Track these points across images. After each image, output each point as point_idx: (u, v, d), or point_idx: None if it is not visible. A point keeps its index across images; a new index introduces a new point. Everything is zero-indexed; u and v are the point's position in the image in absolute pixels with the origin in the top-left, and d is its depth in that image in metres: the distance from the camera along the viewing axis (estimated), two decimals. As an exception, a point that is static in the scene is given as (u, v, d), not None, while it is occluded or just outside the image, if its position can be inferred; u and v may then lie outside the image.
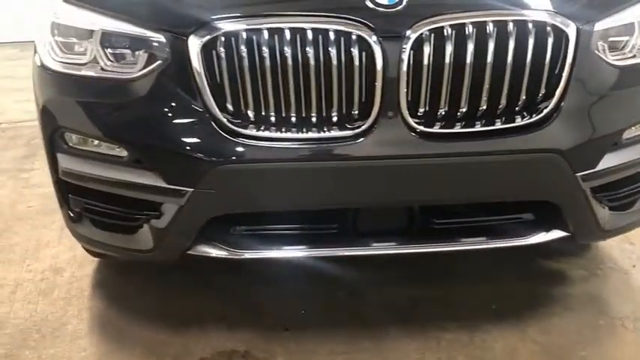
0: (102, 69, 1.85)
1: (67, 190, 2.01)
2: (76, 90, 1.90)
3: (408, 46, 1.68)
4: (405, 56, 1.69)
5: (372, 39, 1.68)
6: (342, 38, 1.69)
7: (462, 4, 1.75)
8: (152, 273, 2.54)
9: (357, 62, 1.69)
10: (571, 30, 1.76)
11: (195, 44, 1.72)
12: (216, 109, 1.75)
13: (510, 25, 1.72)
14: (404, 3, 1.72)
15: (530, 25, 1.73)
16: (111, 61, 1.84)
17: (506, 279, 2.47)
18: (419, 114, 1.76)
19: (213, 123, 1.76)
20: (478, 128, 1.79)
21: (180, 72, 1.76)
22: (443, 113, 1.78)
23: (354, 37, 1.69)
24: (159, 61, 1.78)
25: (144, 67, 1.80)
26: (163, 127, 1.81)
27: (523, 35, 1.72)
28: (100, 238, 2.04)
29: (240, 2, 1.80)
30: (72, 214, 2.05)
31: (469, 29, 1.70)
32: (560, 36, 1.75)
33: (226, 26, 1.71)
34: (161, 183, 1.82)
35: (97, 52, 1.85)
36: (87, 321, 2.30)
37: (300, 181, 1.81)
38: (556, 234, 1.96)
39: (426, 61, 1.71)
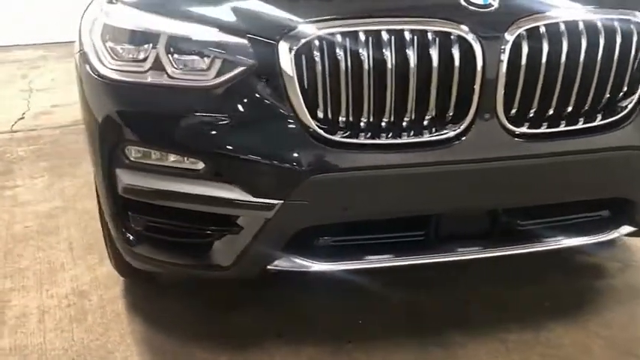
0: (169, 76, 1.72)
1: (127, 207, 1.85)
2: (142, 100, 1.76)
3: (507, 47, 1.66)
4: (504, 57, 1.66)
5: (472, 39, 1.64)
6: (441, 39, 1.65)
7: (552, 3, 1.74)
8: (186, 290, 2.40)
9: (457, 63, 1.65)
10: None
11: (286, 49, 1.63)
12: (308, 117, 1.66)
13: (599, 24, 1.72)
14: (497, 3, 1.70)
15: (616, 24, 1.74)
16: (178, 68, 1.72)
17: (549, 277, 2.48)
18: (511, 115, 1.74)
19: (304, 131, 1.67)
20: (563, 128, 1.78)
21: (268, 78, 1.66)
22: (532, 113, 1.76)
23: (453, 37, 1.64)
24: (241, 68, 1.68)
25: (220, 74, 1.69)
26: (248, 137, 1.70)
27: (611, 34, 1.73)
28: (164, 257, 1.90)
29: (333, 4, 1.72)
30: (130, 234, 1.89)
31: (562, 28, 1.69)
32: None
33: (321, 30, 1.63)
34: (246, 196, 1.71)
35: (163, 58, 1.72)
36: (134, 346, 2.14)
37: (394, 188, 1.74)
38: (626, 229, 1.98)
39: (523, 62, 1.68)
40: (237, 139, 1.70)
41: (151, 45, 1.73)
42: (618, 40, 1.74)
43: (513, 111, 1.74)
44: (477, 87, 1.67)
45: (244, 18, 1.71)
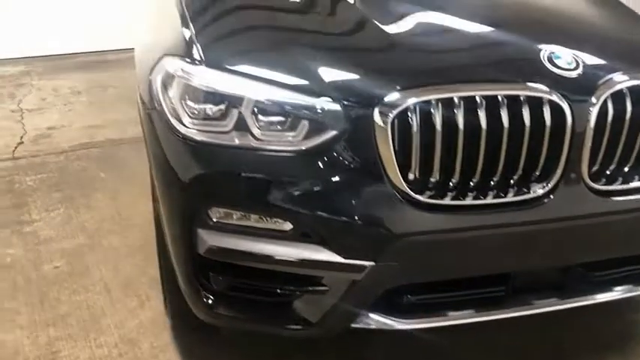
0: (254, 138, 1.71)
1: (208, 268, 1.83)
2: (228, 162, 1.74)
3: (595, 109, 1.70)
4: (592, 118, 1.70)
5: (562, 102, 1.68)
6: (532, 103, 1.68)
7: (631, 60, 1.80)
8: (235, 335, 2.38)
9: (548, 126, 1.69)
10: None
11: (382, 116, 1.64)
12: (401, 179, 1.67)
13: None
14: (581, 65, 1.74)
15: None
16: (264, 130, 1.71)
17: (589, 316, 2.52)
18: (591, 172, 1.78)
19: (396, 193, 1.68)
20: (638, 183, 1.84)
21: (361, 142, 1.67)
22: (610, 170, 1.81)
23: (545, 102, 1.68)
24: (333, 132, 1.68)
25: (309, 138, 1.69)
26: (338, 199, 1.70)
27: None
28: (244, 316, 1.88)
29: (428, 70, 1.74)
30: (209, 294, 1.86)
31: None
32: None
33: (416, 97, 1.65)
34: (336, 258, 1.71)
35: (248, 119, 1.71)
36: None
37: (480, 248, 1.77)
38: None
39: (609, 122, 1.73)
40: (327, 201, 1.70)
41: (235, 106, 1.71)
42: None
43: (594, 168, 1.79)
44: (565, 148, 1.71)
45: (337, 83, 1.71)
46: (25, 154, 4.06)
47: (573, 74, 1.73)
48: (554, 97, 1.68)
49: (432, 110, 1.64)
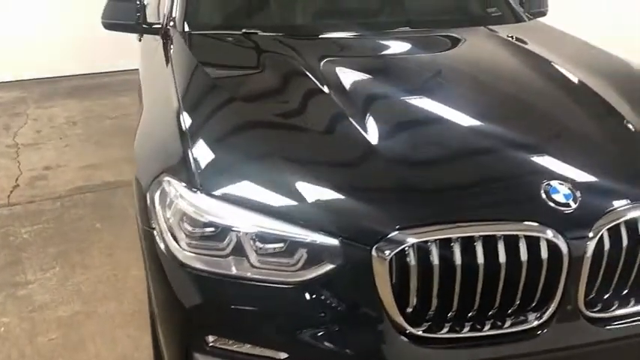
0: (252, 266, 1.71)
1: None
2: (223, 293, 1.74)
3: (592, 243, 1.70)
4: (588, 252, 1.71)
5: (559, 240, 1.68)
6: (530, 240, 1.69)
7: (630, 192, 1.81)
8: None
9: (544, 263, 1.69)
10: None
11: (380, 255, 1.64)
12: (399, 315, 1.67)
13: None
14: (578, 198, 1.75)
15: None
16: (262, 261, 1.71)
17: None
18: (587, 300, 1.79)
19: (393, 328, 1.68)
20: (633, 308, 1.84)
21: (358, 277, 1.67)
22: (605, 298, 1.82)
23: (542, 240, 1.68)
24: (330, 266, 1.68)
25: (306, 268, 1.69)
26: (334, 332, 1.70)
27: None
28: None
29: (426, 204, 1.74)
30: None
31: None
32: None
33: (416, 237, 1.65)
34: None
35: (247, 249, 1.71)
36: None
37: None
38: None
39: (605, 255, 1.74)
40: (323, 334, 1.70)
41: (233, 236, 1.71)
42: None
43: (590, 297, 1.79)
44: (562, 281, 1.71)
45: (336, 218, 1.71)
46: (20, 200, 4.05)
47: (570, 209, 1.73)
48: (551, 236, 1.68)
49: (430, 251, 1.65)
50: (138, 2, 2.95)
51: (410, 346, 1.69)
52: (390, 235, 1.65)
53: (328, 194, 1.75)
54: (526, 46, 2.78)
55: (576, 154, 1.93)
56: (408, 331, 1.69)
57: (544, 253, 1.68)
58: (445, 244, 1.65)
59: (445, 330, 1.72)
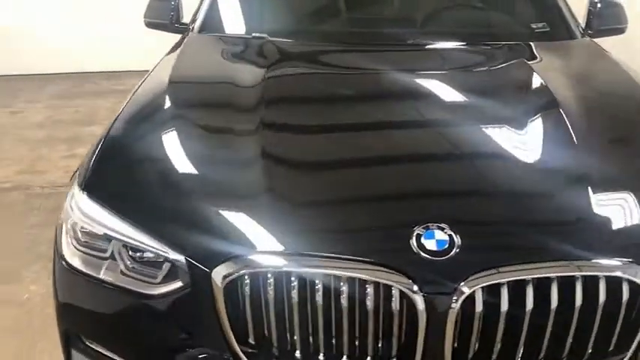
0: (121, 273, 1.71)
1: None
2: (94, 293, 1.76)
3: (458, 304, 1.48)
4: (453, 314, 1.49)
5: (416, 295, 1.48)
6: (382, 289, 1.51)
7: (522, 252, 1.55)
8: None
9: (396, 319, 1.51)
10: None
11: (218, 278, 1.56)
12: (236, 346, 1.59)
13: (579, 281, 1.51)
14: (455, 250, 1.53)
15: (603, 281, 1.51)
16: (131, 271, 1.71)
17: None
18: None
19: (231, 356, 1.60)
20: None
21: (201, 300, 1.61)
22: None
23: (394, 290, 1.50)
24: (179, 284, 1.63)
25: (163, 283, 1.66)
26: (181, 354, 1.67)
27: (594, 290, 1.51)
28: None
29: (270, 237, 1.62)
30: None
31: (529, 285, 1.50)
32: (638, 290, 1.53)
33: (253, 264, 1.55)
34: None
35: (117, 257, 1.72)
36: None
37: None
38: None
39: (476, 320, 1.51)
40: (170, 351, 1.68)
41: (108, 242, 1.73)
42: (602, 299, 1.52)
43: None
44: (419, 339, 1.51)
45: (187, 236, 1.66)
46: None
47: (440, 259, 1.52)
48: (407, 289, 1.49)
49: (265, 281, 1.54)
50: (173, 2, 3.06)
51: None
52: (228, 260, 1.57)
53: (192, 213, 1.71)
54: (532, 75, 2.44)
55: (479, 202, 1.71)
56: None
57: (395, 305, 1.50)
58: (287, 280, 1.54)
59: None
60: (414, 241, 1.54)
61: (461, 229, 1.56)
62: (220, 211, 1.69)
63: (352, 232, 1.64)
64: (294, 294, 1.53)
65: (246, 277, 1.55)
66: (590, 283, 1.52)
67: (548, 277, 1.50)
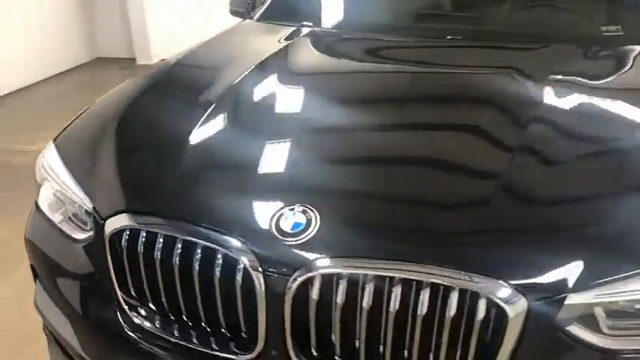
0: (69, 218, 1.89)
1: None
2: (44, 233, 1.97)
3: (293, 288, 1.45)
4: (288, 298, 1.46)
5: (256, 272, 1.48)
6: (229, 261, 1.53)
7: (379, 249, 1.48)
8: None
9: (238, 294, 1.52)
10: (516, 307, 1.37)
11: (107, 230, 1.69)
12: (120, 295, 1.71)
13: (427, 289, 1.40)
14: (307, 234, 1.49)
15: (455, 293, 1.38)
16: (75, 212, 1.87)
17: None
18: (314, 355, 1.52)
19: (117, 307, 1.72)
20: None
21: (100, 249, 1.73)
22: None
23: (239, 265, 1.50)
24: (92, 232, 1.78)
25: (88, 231, 1.81)
26: (87, 296, 1.83)
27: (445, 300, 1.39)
28: None
29: (155, 198, 1.72)
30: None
31: (396, 285, 1.41)
32: (500, 313, 1.38)
33: (132, 221, 1.66)
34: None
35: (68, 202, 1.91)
36: None
37: None
38: None
39: (311, 308, 1.46)
40: (80, 292, 1.84)
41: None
42: (452, 311, 1.38)
43: (315, 353, 1.52)
44: (261, 321, 1.50)
45: (101, 189, 1.80)
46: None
47: (289, 242, 1.49)
48: (247, 264, 1.49)
49: (139, 238, 1.63)
50: (249, -8, 3.21)
51: (126, 333, 1.70)
52: (118, 214, 1.68)
53: (112, 172, 1.85)
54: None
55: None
56: (131, 319, 1.70)
57: (238, 279, 1.51)
58: (155, 239, 1.61)
59: (164, 332, 1.67)
60: (274, 221, 1.53)
61: (323, 215, 1.51)
62: (129, 171, 1.83)
63: (224, 205, 1.66)
64: (157, 255, 1.60)
65: (126, 232, 1.65)
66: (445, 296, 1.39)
67: (392, 278, 1.40)
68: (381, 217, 1.56)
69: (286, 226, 1.51)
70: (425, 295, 1.39)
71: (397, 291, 1.40)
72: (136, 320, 1.69)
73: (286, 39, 2.62)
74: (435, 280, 1.39)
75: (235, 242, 1.52)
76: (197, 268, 1.55)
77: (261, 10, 3.02)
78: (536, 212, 1.55)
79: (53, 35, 7.12)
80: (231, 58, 2.54)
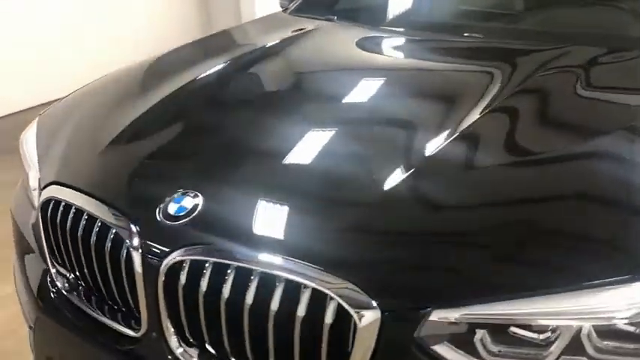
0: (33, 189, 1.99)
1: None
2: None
3: (164, 271, 1.45)
4: (161, 280, 1.46)
5: (134, 251, 1.50)
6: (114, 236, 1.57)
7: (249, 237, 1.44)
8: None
9: (123, 268, 1.54)
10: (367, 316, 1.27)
11: (40, 199, 1.80)
12: (48, 260, 1.80)
13: (281, 284, 1.34)
14: (187, 219, 1.48)
15: (307, 292, 1.32)
16: None
17: None
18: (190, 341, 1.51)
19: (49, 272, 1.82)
20: None
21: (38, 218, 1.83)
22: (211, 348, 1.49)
23: (125, 243, 1.52)
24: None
25: None
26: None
27: (293, 297, 1.33)
28: None
29: (75, 174, 1.79)
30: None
31: (232, 271, 1.38)
32: (349, 320, 1.29)
33: (54, 193, 1.75)
34: None
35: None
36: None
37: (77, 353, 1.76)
38: None
39: (180, 293, 1.44)
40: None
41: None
42: (300, 312, 1.31)
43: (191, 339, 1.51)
44: (141, 299, 1.52)
45: (50, 162, 1.91)
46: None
47: (170, 223, 1.48)
48: (130, 243, 1.51)
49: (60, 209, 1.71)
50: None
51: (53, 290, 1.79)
52: (47, 187, 1.78)
53: (66, 143, 1.96)
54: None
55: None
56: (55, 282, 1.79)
57: (122, 257, 1.53)
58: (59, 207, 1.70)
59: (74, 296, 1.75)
60: (163, 203, 1.53)
61: (208, 201, 1.50)
62: (69, 147, 1.92)
63: (124, 184, 1.73)
64: (68, 226, 1.68)
65: (51, 203, 1.73)
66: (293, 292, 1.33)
67: (250, 270, 1.36)
68: (261, 210, 1.50)
69: (172, 209, 1.51)
70: (278, 290, 1.33)
71: (254, 283, 1.35)
72: (59, 285, 1.77)
73: (297, 30, 2.61)
74: (288, 276, 1.32)
75: (124, 221, 1.55)
76: (93, 240, 1.60)
77: (295, 4, 3.03)
78: (416, 218, 1.43)
79: (174, 27, 7.50)
80: (231, 46, 2.57)
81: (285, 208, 1.50)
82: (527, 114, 1.78)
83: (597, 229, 1.34)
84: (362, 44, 2.46)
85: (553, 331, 1.23)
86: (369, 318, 1.26)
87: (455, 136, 1.62)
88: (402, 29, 2.57)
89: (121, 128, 1.91)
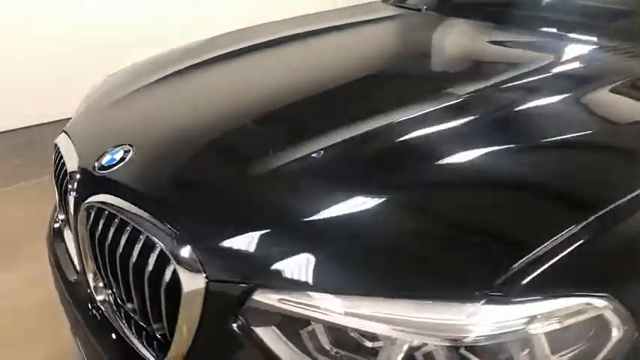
0: None
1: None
2: None
3: (80, 215, 1.54)
4: (79, 223, 1.55)
5: (69, 195, 1.61)
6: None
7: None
8: None
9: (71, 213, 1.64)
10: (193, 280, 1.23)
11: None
12: None
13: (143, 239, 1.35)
14: (112, 169, 1.54)
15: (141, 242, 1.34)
16: None
17: None
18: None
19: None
20: None
21: None
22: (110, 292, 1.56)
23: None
24: None
25: None
26: None
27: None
28: None
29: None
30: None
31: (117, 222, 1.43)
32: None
33: None
34: None
35: None
36: None
37: None
38: None
39: (87, 235, 1.53)
40: None
41: None
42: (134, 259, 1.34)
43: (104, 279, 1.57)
44: (74, 243, 1.62)
45: None
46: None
47: (97, 172, 1.56)
48: (69, 185, 1.62)
49: None
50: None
51: None
52: None
53: None
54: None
55: None
56: None
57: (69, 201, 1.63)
58: None
59: None
60: (99, 154, 1.62)
61: (136, 156, 1.56)
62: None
63: (87, 137, 1.83)
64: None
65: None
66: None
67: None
68: (176, 167, 1.54)
69: (104, 160, 1.59)
70: (138, 245, 1.34)
71: (125, 236, 1.38)
72: None
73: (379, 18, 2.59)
74: (146, 233, 1.33)
75: (72, 166, 1.68)
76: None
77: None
78: (270, 197, 1.34)
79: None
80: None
81: (194, 164, 1.53)
82: None
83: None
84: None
85: (383, 339, 1.09)
86: (193, 284, 1.21)
87: None
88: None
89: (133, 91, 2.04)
